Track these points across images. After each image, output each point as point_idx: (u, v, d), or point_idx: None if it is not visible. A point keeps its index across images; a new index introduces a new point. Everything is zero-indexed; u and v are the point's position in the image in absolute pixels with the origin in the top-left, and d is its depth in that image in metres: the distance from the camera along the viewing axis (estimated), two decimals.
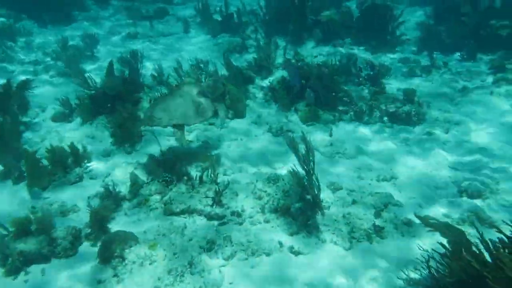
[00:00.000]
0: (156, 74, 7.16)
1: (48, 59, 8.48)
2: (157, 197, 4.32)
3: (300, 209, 4.07)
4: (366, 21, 9.16)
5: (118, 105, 5.64)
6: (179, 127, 4.96)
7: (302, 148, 3.92)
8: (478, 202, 4.27)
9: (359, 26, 9.26)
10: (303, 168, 3.97)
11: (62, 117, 6.06)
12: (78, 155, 4.83)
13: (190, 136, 5.64)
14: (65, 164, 4.71)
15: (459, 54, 8.25)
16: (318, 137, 5.64)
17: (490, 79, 7.26)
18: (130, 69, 6.94)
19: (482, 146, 5.30)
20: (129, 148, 5.25)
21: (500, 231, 2.69)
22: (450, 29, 8.95)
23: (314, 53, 8.64)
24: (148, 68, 7.85)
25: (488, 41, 8.40)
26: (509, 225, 2.75)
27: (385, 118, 6.08)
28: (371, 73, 7.12)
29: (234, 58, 8.17)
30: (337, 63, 7.23)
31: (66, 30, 10.09)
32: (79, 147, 4.98)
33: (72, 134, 5.68)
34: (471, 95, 6.69)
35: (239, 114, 6.11)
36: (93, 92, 6.10)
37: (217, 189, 4.26)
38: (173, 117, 4.58)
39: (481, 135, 5.57)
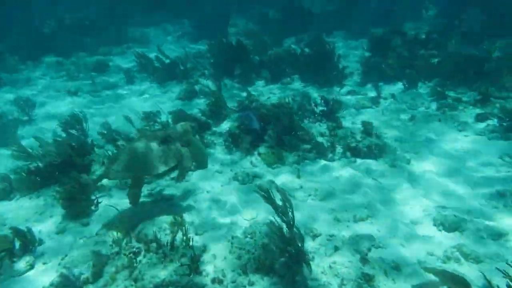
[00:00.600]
0: (105, 131, 6.69)
1: None
2: (125, 273, 3.83)
3: (285, 264, 3.80)
4: (311, 58, 9.43)
5: (66, 172, 5.11)
6: (137, 181, 4.56)
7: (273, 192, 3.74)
8: (456, 235, 4.28)
9: (305, 63, 9.50)
10: (282, 220, 3.76)
11: (2, 195, 5.30)
12: (26, 238, 4.18)
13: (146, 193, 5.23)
14: (11, 253, 4.05)
15: (401, 83, 8.70)
16: (286, 180, 5.48)
17: (433, 106, 7.67)
18: (77, 130, 6.42)
19: (447, 175, 5.46)
20: (85, 220, 4.69)
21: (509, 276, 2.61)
22: (388, 60, 9.49)
23: (265, 92, 8.67)
24: (96, 125, 7.33)
25: (423, 69, 8.97)
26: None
27: (348, 153, 6.10)
28: (326, 108, 7.22)
29: (184, 105, 7.93)
30: (291, 101, 7.28)
31: None
32: (26, 228, 4.33)
33: (15, 213, 4.96)
34: (421, 124, 6.99)
35: (201, 164, 5.80)
36: (36, 162, 5.48)
37: (192, 255, 3.87)
38: (132, 168, 4.20)
39: (440, 163, 5.75)
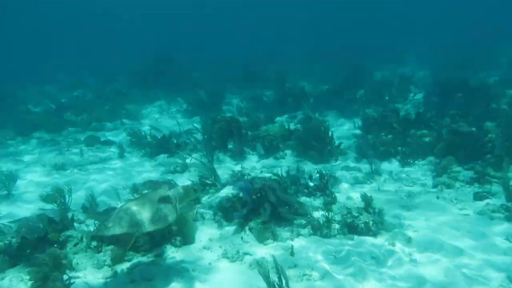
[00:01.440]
0: (88, 205, 6.35)
1: None
2: None
3: None
4: (305, 133, 9.47)
5: (40, 249, 4.69)
6: (125, 240, 4.06)
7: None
8: None
9: (299, 138, 9.51)
10: None
11: None
12: None
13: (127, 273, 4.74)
14: None
15: (396, 160, 8.64)
16: (279, 257, 5.04)
17: (429, 182, 7.53)
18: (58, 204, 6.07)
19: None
20: None
21: None
22: (380, 138, 9.57)
23: (258, 166, 8.51)
24: (81, 199, 6.99)
25: (416, 147, 8.98)
26: None
27: (345, 230, 5.75)
28: (320, 183, 7.02)
29: (175, 178, 7.70)
30: (285, 174, 7.10)
31: None
32: None
33: None
34: (419, 200, 6.77)
35: (188, 239, 5.40)
36: (8, 239, 5.05)
37: None
38: (122, 224, 3.89)
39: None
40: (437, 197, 6.86)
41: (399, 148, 9.06)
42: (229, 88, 18.54)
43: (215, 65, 22.60)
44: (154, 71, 18.37)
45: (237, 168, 8.10)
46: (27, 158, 9.61)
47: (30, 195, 7.35)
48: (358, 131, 11.30)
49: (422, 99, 14.54)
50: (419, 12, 48.12)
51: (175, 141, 9.62)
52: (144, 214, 4.06)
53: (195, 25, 51.99)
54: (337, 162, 8.88)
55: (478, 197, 6.69)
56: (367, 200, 6.23)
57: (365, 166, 8.41)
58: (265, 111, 13.69)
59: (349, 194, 7.09)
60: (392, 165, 8.55)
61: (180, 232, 5.27)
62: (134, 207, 4.09)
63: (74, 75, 22.00)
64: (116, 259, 4.65)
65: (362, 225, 5.69)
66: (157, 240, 5.17)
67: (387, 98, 15.16)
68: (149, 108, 15.65)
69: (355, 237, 5.62)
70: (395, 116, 11.04)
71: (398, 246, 5.32)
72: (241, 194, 5.96)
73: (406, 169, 8.37)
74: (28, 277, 4.49)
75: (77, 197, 6.95)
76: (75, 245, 5.22)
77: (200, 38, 37.67)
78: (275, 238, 5.51)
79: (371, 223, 5.70)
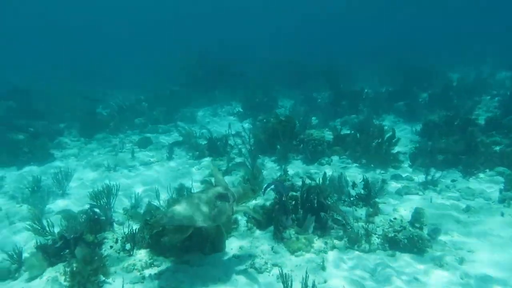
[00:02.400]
0: (129, 208, 6.53)
1: (14, 203, 7.50)
2: None
3: None
4: (358, 137, 8.98)
5: (77, 250, 4.86)
6: (181, 231, 4.22)
7: None
8: None
9: (349, 143, 9.04)
10: None
11: (6, 274, 4.93)
12: None
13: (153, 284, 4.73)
14: None
15: (457, 169, 7.84)
16: (310, 272, 4.74)
17: (495, 196, 6.69)
18: (99, 206, 6.27)
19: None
20: None
21: None
22: (440, 144, 8.76)
23: (301, 172, 8.20)
24: (124, 200, 7.24)
25: (485, 157, 8.07)
26: None
27: (386, 245, 5.27)
28: (364, 191, 6.55)
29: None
30: (326, 181, 6.74)
31: (44, 168, 9.48)
32: None
33: None
34: (479, 216, 6.02)
35: (217, 246, 5.28)
36: (48, 238, 5.31)
37: None
38: (177, 216, 4.04)
39: (502, 267, 4.73)
40: (502, 214, 6.07)
41: (462, 156, 8.21)
42: (283, 90, 18.37)
43: (270, 66, 22.49)
44: (210, 73, 18.70)
45: (279, 173, 7.86)
46: (85, 158, 10.20)
47: (81, 193, 7.73)
48: (416, 137, 10.52)
49: (497, 103, 13.18)
50: (493, 11, 44.12)
51: (222, 144, 9.62)
52: (200, 209, 4.15)
53: (247, 26, 52.57)
54: (388, 170, 8.27)
55: None
56: (414, 213, 5.69)
57: (419, 175, 7.72)
58: (318, 114, 13.30)
59: (396, 206, 6.54)
60: (452, 176, 7.75)
61: (210, 238, 5.16)
62: (191, 202, 4.19)
63: (137, 78, 23.24)
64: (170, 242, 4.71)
65: (406, 240, 5.18)
66: (186, 246, 5.12)
67: (455, 101, 13.97)
68: (204, 110, 15.96)
69: (397, 253, 5.13)
70: (461, 121, 10.10)
71: (448, 268, 4.75)
72: (278, 189, 5.66)
73: (469, 180, 7.55)
74: (63, 278, 4.67)
75: (122, 198, 7.21)
76: (111, 247, 5.34)
77: (255, 39, 37.86)
78: (307, 249, 5.20)
79: (416, 238, 5.16)
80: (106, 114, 14.00)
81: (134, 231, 5.30)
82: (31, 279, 4.84)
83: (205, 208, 4.19)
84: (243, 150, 9.32)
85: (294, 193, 6.07)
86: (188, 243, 5.11)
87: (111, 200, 6.60)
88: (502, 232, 5.55)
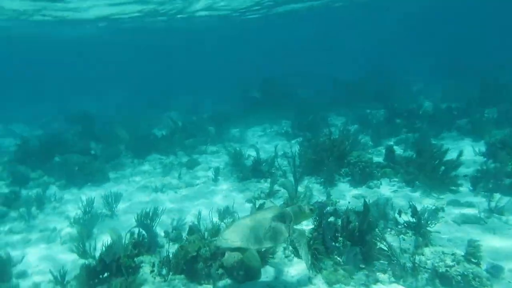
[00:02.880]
0: (170, 231, 6.60)
1: (66, 225, 7.75)
2: None
3: None
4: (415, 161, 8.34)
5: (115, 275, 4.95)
6: (239, 253, 4.25)
7: None
8: None
9: (402, 167, 8.44)
10: None
11: None
12: None
13: None
14: None
15: None
16: None
17: None
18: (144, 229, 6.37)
19: None
20: None
21: None
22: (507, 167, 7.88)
23: (347, 196, 7.79)
24: (165, 224, 7.29)
25: None
26: None
27: (436, 281, 4.75)
28: (413, 219, 6.02)
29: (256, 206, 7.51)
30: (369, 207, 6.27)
31: (97, 190, 9.81)
32: None
33: None
34: None
35: (251, 274, 5.10)
36: (90, 261, 5.48)
37: None
38: (234, 239, 4.04)
39: None
40: None
41: None
42: (335, 108, 17.96)
43: (324, 84, 22.21)
44: (269, 96, 18.86)
45: (324, 197, 7.53)
46: (136, 180, 10.56)
47: (128, 215, 7.97)
48: (481, 158, 9.59)
49: None
50: None
51: (264, 167, 9.49)
52: (255, 231, 4.10)
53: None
54: (446, 194, 7.58)
55: None
56: (471, 246, 5.09)
57: (481, 202, 6.96)
58: (371, 133, 12.71)
59: (451, 236, 5.92)
60: None
61: (243, 265, 5.00)
62: (246, 223, 4.17)
63: (194, 100, 24.17)
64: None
65: (459, 277, 4.62)
66: (220, 274, 5.00)
67: None
68: (253, 131, 16.01)
69: None
70: None
71: None
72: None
73: None
74: None
75: (163, 220, 7.29)
76: (151, 272, 5.38)
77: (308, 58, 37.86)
78: (346, 282, 4.84)
79: (471, 276, 4.59)
80: (160, 135, 14.50)
81: (169, 256, 5.30)
82: None
83: (260, 230, 4.12)
84: (287, 172, 9.10)
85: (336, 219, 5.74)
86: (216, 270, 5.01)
87: (154, 223, 6.71)
88: None
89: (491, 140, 9.49)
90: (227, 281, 5.02)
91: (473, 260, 4.93)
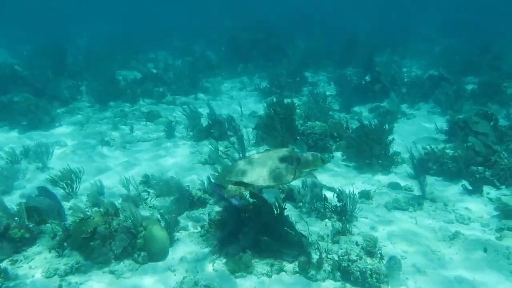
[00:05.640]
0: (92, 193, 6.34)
1: None
2: None
3: None
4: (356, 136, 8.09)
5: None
6: (242, 187, 4.32)
7: None
8: None
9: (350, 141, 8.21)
10: None
11: None
12: None
13: None
14: None
15: (462, 184, 6.85)
16: None
17: (493, 225, 5.75)
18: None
19: None
20: None
21: None
22: (456, 151, 7.67)
23: None
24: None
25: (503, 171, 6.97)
26: None
27: (337, 275, 4.73)
28: (339, 204, 5.93)
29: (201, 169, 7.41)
30: (301, 189, 6.15)
31: (45, 136, 9.35)
32: None
33: None
34: (464, 252, 5.18)
35: (154, 256, 4.88)
36: None
37: None
38: (239, 174, 4.24)
39: None
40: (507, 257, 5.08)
41: (478, 168, 7.14)
42: (323, 65, 17.32)
43: (317, 38, 21.29)
44: (249, 42, 18.07)
45: None
46: (88, 127, 10.12)
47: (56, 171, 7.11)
48: (443, 136, 9.34)
49: None
50: None
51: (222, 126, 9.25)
52: (263, 168, 4.24)
53: None
54: (389, 175, 7.45)
55: None
56: (371, 240, 5.03)
57: (419, 187, 6.84)
58: (344, 98, 12.30)
59: (376, 223, 5.85)
60: (452, 191, 6.79)
61: (145, 246, 4.93)
62: (254, 161, 4.33)
63: (186, 42, 23.28)
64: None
65: (358, 273, 4.60)
66: (118, 254, 4.89)
67: (509, 91, 12.21)
68: (230, 84, 15.51)
69: (348, 285, 4.59)
70: (490, 121, 8.76)
71: None
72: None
73: (470, 197, 6.55)
74: None
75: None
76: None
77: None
78: (249, 271, 4.80)
79: (368, 272, 4.56)
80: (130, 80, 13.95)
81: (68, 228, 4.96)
82: None
83: (267, 168, 4.24)
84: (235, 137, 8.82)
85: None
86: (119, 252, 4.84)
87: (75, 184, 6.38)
88: (489, 272, 4.73)
89: (455, 119, 9.14)
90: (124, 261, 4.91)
91: (376, 253, 4.88)
